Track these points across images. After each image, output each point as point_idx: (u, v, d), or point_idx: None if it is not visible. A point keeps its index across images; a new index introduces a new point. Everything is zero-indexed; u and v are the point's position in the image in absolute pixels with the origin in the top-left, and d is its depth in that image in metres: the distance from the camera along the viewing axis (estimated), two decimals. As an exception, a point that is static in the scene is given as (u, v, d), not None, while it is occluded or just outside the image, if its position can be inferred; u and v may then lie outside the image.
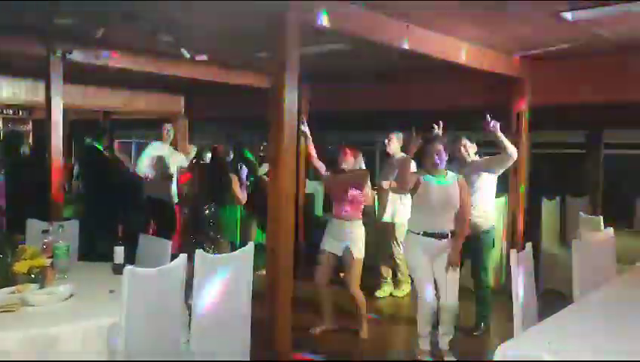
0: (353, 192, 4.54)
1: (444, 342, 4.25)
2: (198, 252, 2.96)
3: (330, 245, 4.65)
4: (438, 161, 4.08)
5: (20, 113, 12.86)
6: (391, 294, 6.00)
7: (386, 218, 5.82)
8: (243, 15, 4.34)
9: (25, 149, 8.13)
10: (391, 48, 4.51)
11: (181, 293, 2.88)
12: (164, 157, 6.55)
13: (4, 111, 12.70)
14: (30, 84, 8.04)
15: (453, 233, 4.12)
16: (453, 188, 4.11)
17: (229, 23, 4.68)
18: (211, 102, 9.87)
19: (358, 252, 4.57)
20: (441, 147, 4.10)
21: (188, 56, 5.62)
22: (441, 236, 4.09)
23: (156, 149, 6.61)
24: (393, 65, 6.40)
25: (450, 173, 4.19)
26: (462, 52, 5.07)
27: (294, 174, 3.93)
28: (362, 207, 4.65)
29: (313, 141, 4.90)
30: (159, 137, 6.75)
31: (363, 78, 7.34)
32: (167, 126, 6.74)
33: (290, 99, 3.72)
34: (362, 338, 4.69)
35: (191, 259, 2.91)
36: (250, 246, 3.25)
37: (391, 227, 5.81)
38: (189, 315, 2.99)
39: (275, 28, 3.70)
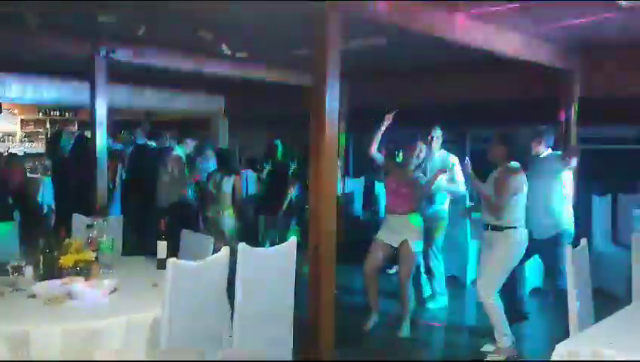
0: (409, 186, 4.55)
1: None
2: (241, 245, 2.92)
3: (386, 236, 4.65)
4: None
5: (66, 114, 13.26)
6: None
7: None
8: (282, 11, 4.31)
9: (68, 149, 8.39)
10: (436, 40, 4.39)
11: (224, 287, 2.86)
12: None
13: (52, 113, 13.13)
14: (75, 85, 8.23)
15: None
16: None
17: (269, 20, 4.66)
18: (251, 101, 9.92)
19: (415, 245, 4.55)
20: None
21: (228, 52, 5.63)
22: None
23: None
24: (433, 57, 6.28)
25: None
26: (510, 43, 4.90)
27: (336, 172, 3.87)
28: (418, 200, 4.65)
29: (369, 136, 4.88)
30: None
31: (401, 72, 7.22)
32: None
33: (332, 95, 3.66)
34: (400, 336, 4.57)
35: (233, 252, 2.88)
36: (293, 240, 3.20)
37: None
38: (231, 309, 2.97)
39: (316, 23, 3.64)
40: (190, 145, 7.02)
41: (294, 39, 5.41)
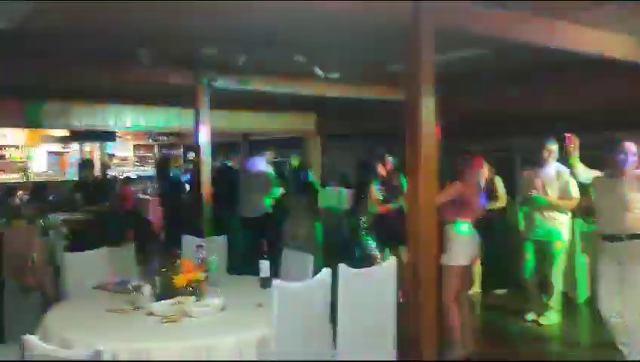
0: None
1: None
2: (341, 265, 2.96)
3: None
4: None
5: (172, 139, 14.19)
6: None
7: None
8: (374, 29, 4.35)
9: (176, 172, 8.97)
10: (536, 48, 4.22)
11: (327, 306, 2.90)
12: None
13: (160, 139, 14.11)
14: (180, 111, 8.79)
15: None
16: None
17: (361, 38, 4.71)
18: (343, 118, 10.04)
19: (447, 258, 4.22)
20: None
21: (321, 74, 5.76)
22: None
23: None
24: (529, 65, 6.03)
25: None
26: (617, 45, 4.58)
27: (435, 186, 3.80)
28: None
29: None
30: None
31: (497, 80, 7.00)
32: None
33: (427, 108, 3.62)
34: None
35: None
36: (393, 259, 3.19)
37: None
38: (334, 329, 3.00)
39: (410, 36, 3.63)
40: (269, 156, 7.07)
41: (389, 55, 5.43)
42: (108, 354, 2.42)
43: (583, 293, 5.86)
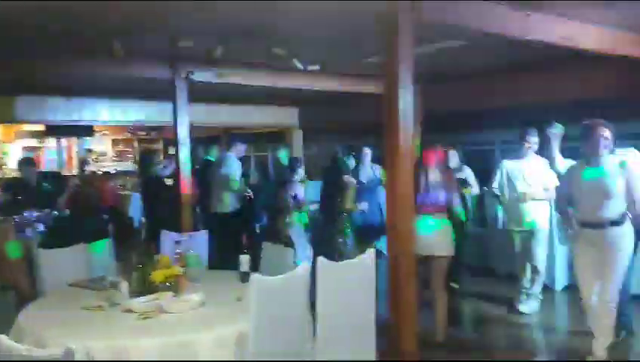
0: None
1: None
2: (320, 258, 2.96)
3: None
4: None
5: (152, 134, 14.05)
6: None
7: None
8: (353, 20, 4.34)
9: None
10: (511, 40, 4.24)
11: (306, 299, 2.90)
12: None
13: (138, 133, 13.95)
14: (159, 105, 8.69)
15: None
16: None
17: (339, 30, 4.69)
18: (325, 112, 10.03)
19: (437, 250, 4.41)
20: None
21: (301, 67, 5.73)
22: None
23: None
24: (507, 58, 6.08)
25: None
26: (591, 37, 4.62)
27: (412, 178, 3.81)
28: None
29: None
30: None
31: (477, 74, 7.04)
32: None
33: (405, 100, 3.62)
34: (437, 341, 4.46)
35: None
36: (372, 251, 3.20)
37: None
38: (313, 321, 3.00)
39: (387, 28, 3.62)
40: (241, 148, 6.97)
41: (367, 48, 5.42)
42: (82, 352, 2.38)
43: (560, 282, 5.96)
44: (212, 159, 7.80)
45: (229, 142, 7.66)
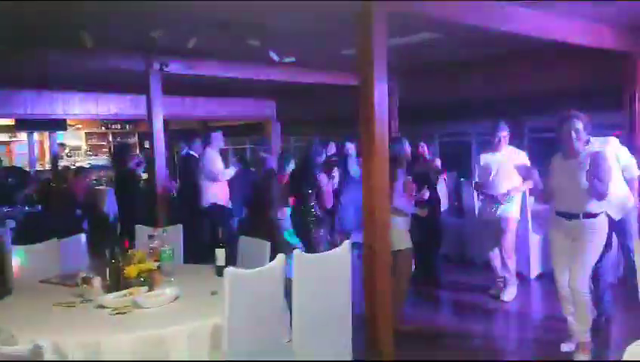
0: None
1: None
2: (296, 252, 2.94)
3: None
4: None
5: (127, 127, 13.83)
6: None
7: None
8: (328, 13, 4.31)
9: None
10: (486, 32, 4.27)
11: (281, 292, 2.88)
12: None
13: (112, 126, 13.73)
14: (133, 98, 8.56)
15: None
16: None
17: (315, 22, 4.67)
18: (302, 104, 9.99)
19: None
20: None
21: (276, 59, 5.69)
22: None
23: None
24: (483, 51, 6.12)
25: None
26: (569, 30, 4.67)
27: (387, 169, 3.82)
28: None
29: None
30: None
31: (453, 66, 7.08)
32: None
33: (380, 92, 3.62)
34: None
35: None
36: (347, 244, 3.19)
37: None
38: (290, 314, 2.99)
39: (361, 20, 3.61)
40: (220, 142, 6.80)
41: (342, 40, 5.41)
42: (52, 349, 2.34)
43: (534, 270, 6.05)
44: (194, 153, 7.66)
45: (206, 137, 7.62)
